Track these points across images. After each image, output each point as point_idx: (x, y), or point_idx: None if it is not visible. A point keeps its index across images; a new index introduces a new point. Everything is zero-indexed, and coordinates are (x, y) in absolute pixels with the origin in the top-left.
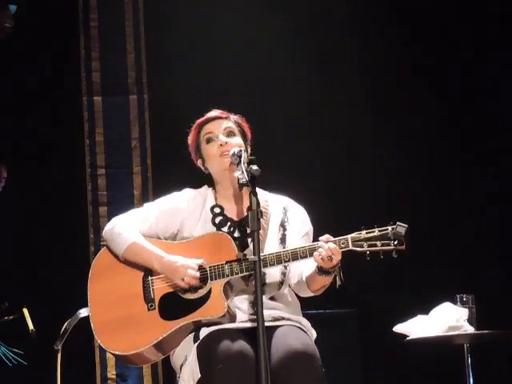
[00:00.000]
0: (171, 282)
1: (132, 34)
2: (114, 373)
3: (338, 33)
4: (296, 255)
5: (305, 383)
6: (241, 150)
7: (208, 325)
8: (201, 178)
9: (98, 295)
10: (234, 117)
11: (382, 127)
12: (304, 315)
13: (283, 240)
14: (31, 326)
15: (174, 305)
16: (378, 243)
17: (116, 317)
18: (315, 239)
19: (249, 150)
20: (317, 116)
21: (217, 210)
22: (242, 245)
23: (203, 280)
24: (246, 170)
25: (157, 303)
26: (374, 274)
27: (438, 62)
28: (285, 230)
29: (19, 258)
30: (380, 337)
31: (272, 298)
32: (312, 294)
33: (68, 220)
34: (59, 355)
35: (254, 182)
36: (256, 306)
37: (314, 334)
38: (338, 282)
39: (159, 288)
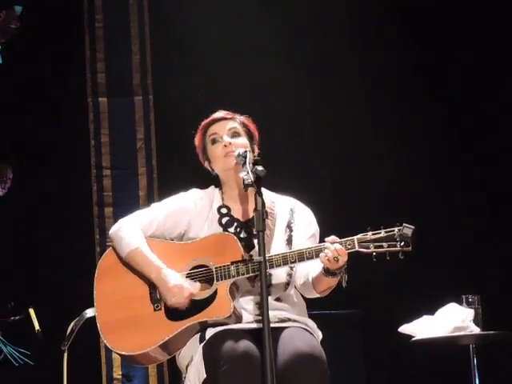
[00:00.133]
0: None
1: (137, 35)
2: (120, 373)
3: (338, 33)
4: (302, 256)
5: None
6: (246, 151)
7: (214, 325)
8: (206, 179)
9: (105, 295)
10: (239, 117)
11: (383, 127)
12: (308, 316)
13: (289, 241)
14: (37, 326)
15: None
16: (385, 244)
17: (122, 317)
18: (321, 240)
19: (256, 150)
20: (317, 116)
21: (224, 211)
22: (248, 245)
23: (209, 281)
24: (251, 171)
25: (163, 304)
26: (378, 275)
27: (437, 61)
28: (291, 231)
29: (25, 258)
30: (384, 338)
31: (278, 299)
32: (318, 296)
33: (74, 221)
34: (65, 355)
35: (259, 182)
36: (262, 307)
37: (320, 335)
38: (344, 284)
39: None
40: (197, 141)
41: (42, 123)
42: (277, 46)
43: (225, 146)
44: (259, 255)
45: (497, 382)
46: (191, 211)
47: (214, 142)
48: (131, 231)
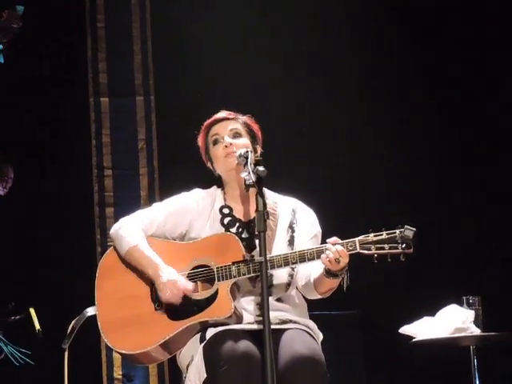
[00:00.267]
0: None
1: (139, 36)
2: (121, 373)
3: (338, 32)
4: (303, 257)
5: None
6: (247, 151)
7: (215, 325)
8: (208, 179)
9: (106, 294)
10: (242, 117)
11: (383, 127)
12: (309, 316)
13: (291, 242)
14: (38, 326)
15: (181, 305)
16: (386, 246)
17: (123, 316)
18: (323, 241)
19: (259, 150)
20: (317, 117)
21: (226, 211)
22: (249, 246)
23: (210, 280)
24: (253, 171)
25: (164, 303)
26: (379, 276)
27: (437, 61)
28: (293, 231)
29: (26, 258)
30: (385, 338)
31: (279, 300)
32: (319, 297)
33: (75, 221)
34: (66, 354)
35: (260, 182)
36: (262, 308)
37: (320, 336)
38: (345, 285)
39: None
40: (200, 141)
41: (43, 123)
42: (277, 46)
43: (226, 146)
44: (260, 255)
45: (497, 383)
46: (192, 211)
47: (215, 142)
48: (131, 230)
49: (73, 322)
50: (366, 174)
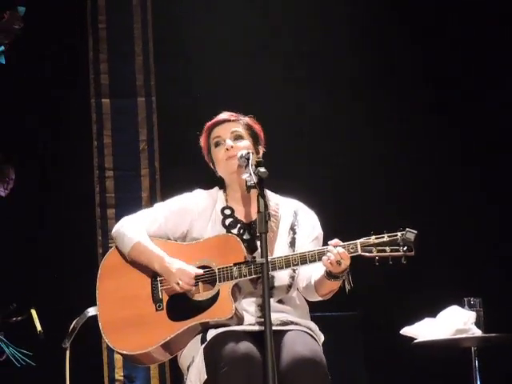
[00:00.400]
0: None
1: (140, 36)
2: (122, 374)
3: (338, 32)
4: (305, 259)
5: None
6: (248, 153)
7: (216, 326)
8: (209, 180)
9: (107, 294)
10: (244, 119)
11: (382, 127)
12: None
13: (293, 243)
14: (39, 327)
15: (182, 306)
16: (387, 249)
17: (124, 316)
18: (325, 244)
19: (261, 151)
20: (317, 117)
21: (227, 212)
22: (251, 247)
23: (211, 282)
24: (254, 172)
25: (165, 304)
26: (379, 277)
27: (437, 61)
28: (294, 233)
29: (27, 259)
30: (385, 340)
31: (280, 301)
32: (320, 299)
33: (76, 222)
34: (67, 353)
35: (261, 184)
36: (264, 309)
37: (322, 338)
38: (348, 287)
39: (167, 289)
40: (202, 142)
41: (44, 124)
42: (277, 46)
43: (227, 149)
44: (262, 257)
45: None
46: (193, 212)
47: (217, 144)
48: (133, 228)
49: (74, 322)
50: (365, 174)
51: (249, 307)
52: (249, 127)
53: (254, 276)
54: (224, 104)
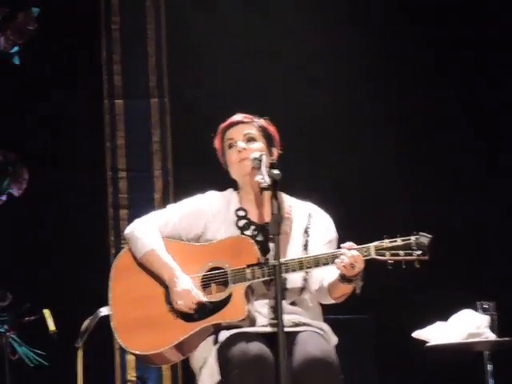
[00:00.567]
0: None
1: (153, 37)
2: (134, 375)
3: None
4: (318, 262)
5: None
6: (261, 154)
7: (228, 328)
8: (222, 182)
9: (120, 295)
10: (258, 121)
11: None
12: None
13: (306, 246)
14: (52, 327)
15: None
16: (401, 252)
17: (137, 316)
18: (338, 247)
19: (275, 153)
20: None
21: (241, 213)
22: (264, 249)
23: (224, 283)
24: (267, 174)
25: None
26: (391, 280)
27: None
28: (308, 235)
29: (40, 259)
30: (397, 343)
31: (293, 303)
32: (333, 302)
33: (89, 222)
34: (80, 353)
35: (275, 185)
36: (276, 311)
37: (334, 339)
38: (358, 290)
39: None
40: (216, 143)
41: (57, 125)
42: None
43: (239, 151)
44: (275, 259)
45: None
46: (207, 213)
47: (230, 146)
48: (147, 232)
49: (86, 322)
50: (368, 174)
51: (261, 309)
52: (263, 129)
53: (266, 278)
54: (238, 106)
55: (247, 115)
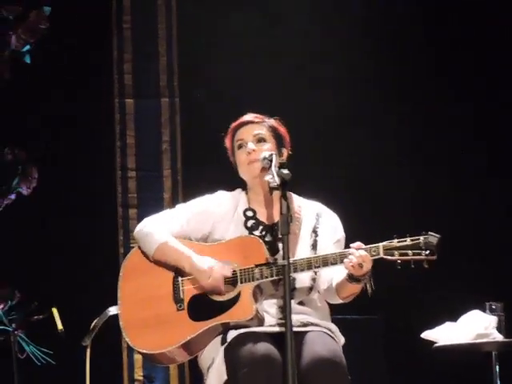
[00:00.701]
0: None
1: (164, 37)
2: (142, 374)
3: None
4: (326, 261)
5: None
6: (272, 154)
7: (236, 327)
8: (231, 182)
9: (129, 294)
10: (268, 121)
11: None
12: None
13: (314, 246)
14: (60, 326)
15: (203, 306)
16: (410, 252)
17: (145, 316)
18: (347, 246)
19: (285, 153)
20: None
21: (249, 214)
22: (272, 249)
23: (233, 283)
24: (277, 174)
25: (186, 304)
26: (400, 280)
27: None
28: (317, 235)
29: (48, 257)
30: (406, 343)
31: (301, 303)
32: (341, 301)
33: (98, 221)
34: (88, 351)
35: (284, 185)
36: (285, 311)
37: (342, 340)
38: (369, 290)
39: (189, 289)
40: (227, 143)
41: (68, 123)
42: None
43: (248, 153)
44: (283, 259)
45: None
46: (215, 214)
47: (239, 147)
48: (157, 228)
49: (94, 321)
50: (394, 183)
51: (270, 309)
52: (273, 129)
53: (275, 278)
54: (248, 105)
55: (258, 115)
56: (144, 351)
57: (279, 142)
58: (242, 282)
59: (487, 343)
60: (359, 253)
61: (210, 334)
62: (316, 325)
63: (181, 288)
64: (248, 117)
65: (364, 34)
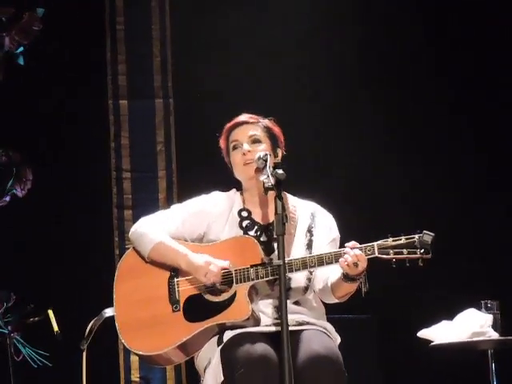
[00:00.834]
0: (196, 283)
1: (158, 38)
2: (138, 375)
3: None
4: (322, 261)
5: None
6: (266, 154)
7: (232, 328)
8: (226, 182)
9: (124, 296)
10: (263, 121)
11: (397, 128)
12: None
13: (310, 245)
14: (56, 328)
15: (199, 307)
16: (405, 251)
17: (141, 317)
18: (342, 246)
19: (280, 153)
20: (331, 118)
21: (244, 214)
22: (268, 249)
23: (228, 283)
24: (272, 174)
25: (182, 305)
26: (396, 279)
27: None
28: (312, 235)
29: (44, 260)
30: (401, 342)
31: (296, 303)
32: (336, 301)
33: (93, 223)
34: (84, 355)
35: (279, 185)
36: (280, 311)
37: (338, 339)
38: (364, 290)
39: (184, 290)
40: (222, 144)
41: (62, 125)
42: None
43: (244, 154)
44: (279, 259)
45: None
46: (210, 214)
47: (234, 148)
48: (152, 228)
49: (91, 323)
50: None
51: (265, 309)
52: (268, 130)
53: (270, 278)
54: (243, 105)
55: (253, 115)
56: (140, 353)
57: (274, 143)
58: (237, 283)
59: (483, 341)
60: (354, 252)
61: (206, 334)
62: (312, 324)
63: (176, 289)
64: (243, 117)
65: (364, 34)
